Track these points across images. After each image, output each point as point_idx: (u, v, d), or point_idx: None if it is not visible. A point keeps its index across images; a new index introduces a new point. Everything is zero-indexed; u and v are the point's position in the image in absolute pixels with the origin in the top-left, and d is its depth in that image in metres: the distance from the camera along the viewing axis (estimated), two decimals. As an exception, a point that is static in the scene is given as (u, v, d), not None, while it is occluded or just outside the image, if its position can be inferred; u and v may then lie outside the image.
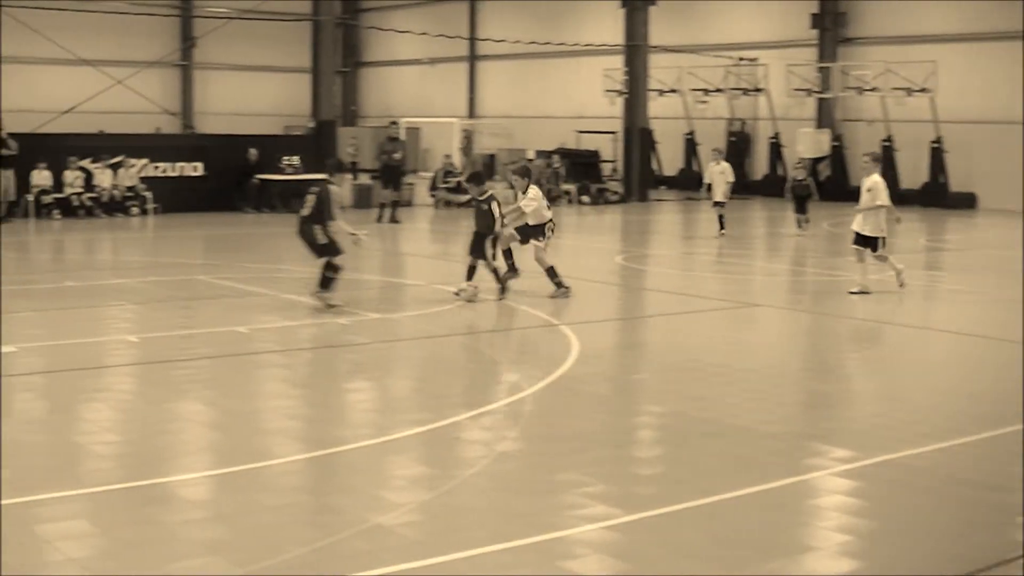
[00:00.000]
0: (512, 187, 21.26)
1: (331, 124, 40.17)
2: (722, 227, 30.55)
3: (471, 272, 19.06)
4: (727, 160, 33.32)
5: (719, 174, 30.79)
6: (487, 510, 8.92)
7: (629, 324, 18.75)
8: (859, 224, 20.07)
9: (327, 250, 17.72)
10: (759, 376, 14.06)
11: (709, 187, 31.03)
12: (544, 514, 8.70)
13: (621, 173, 46.24)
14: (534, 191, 20.05)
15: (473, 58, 62.30)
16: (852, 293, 19.81)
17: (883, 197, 19.87)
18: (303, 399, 12.79)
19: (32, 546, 7.98)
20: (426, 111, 58.29)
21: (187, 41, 61.48)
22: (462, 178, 41.55)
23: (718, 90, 49.61)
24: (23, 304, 18.39)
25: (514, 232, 19.82)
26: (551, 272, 19.63)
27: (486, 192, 19.43)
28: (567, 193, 42.77)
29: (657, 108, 46.91)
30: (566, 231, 34.66)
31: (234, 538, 8.15)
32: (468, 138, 51.95)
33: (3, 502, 8.83)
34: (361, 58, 69.26)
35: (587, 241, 31.90)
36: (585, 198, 42.72)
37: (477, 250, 19.15)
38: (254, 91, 64.51)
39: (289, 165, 37.22)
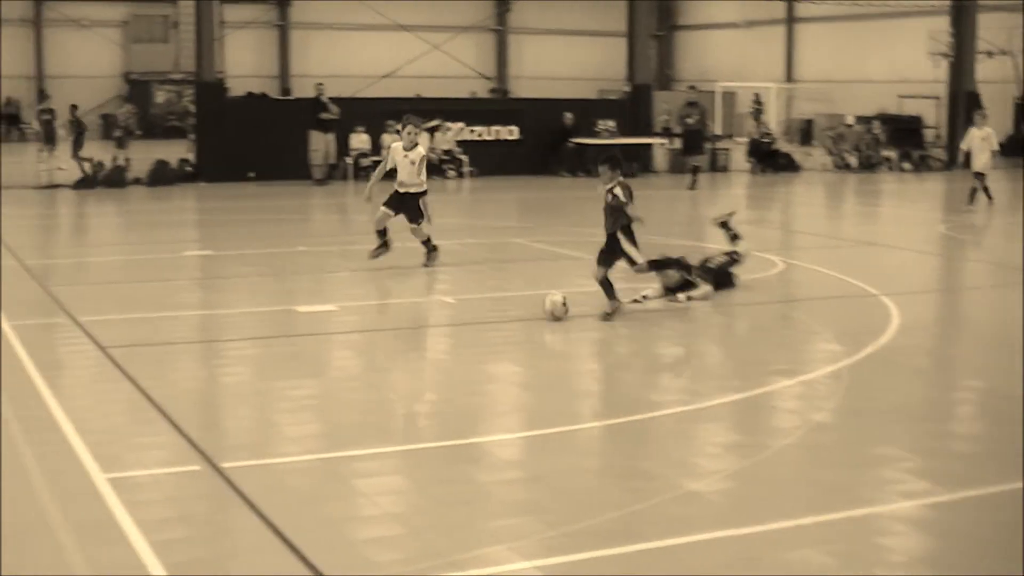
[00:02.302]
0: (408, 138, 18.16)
1: (646, 88, 40.02)
2: (972, 201, 27.75)
3: (608, 289, 14.78)
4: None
5: (981, 140, 27.81)
6: (801, 481, 8.72)
7: (951, 296, 18.13)
8: None
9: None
10: (1090, 352, 13.40)
11: (968, 155, 28.16)
12: (860, 488, 8.45)
13: (945, 140, 44.75)
14: (423, 148, 18.36)
15: (791, 20, 61.15)
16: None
17: None
18: (617, 363, 12.78)
19: (351, 499, 8.17)
20: (742, 75, 57.55)
21: (502, 5, 62.21)
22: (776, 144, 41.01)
23: (1054, 50, 47.36)
24: (342, 264, 18.91)
25: None
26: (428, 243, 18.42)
27: (613, 180, 14.54)
28: (887, 160, 41.59)
29: (985, 71, 45.07)
30: (886, 198, 33.88)
31: (548, 499, 8.16)
32: (759, 102, 50.97)
33: (325, 455, 9.10)
34: (677, 21, 68.78)
35: (909, 210, 31.04)
36: (907, 165, 41.45)
37: (608, 259, 14.78)
38: (569, 55, 64.76)
39: (604, 129, 37.31)
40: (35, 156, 34.81)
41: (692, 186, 32.58)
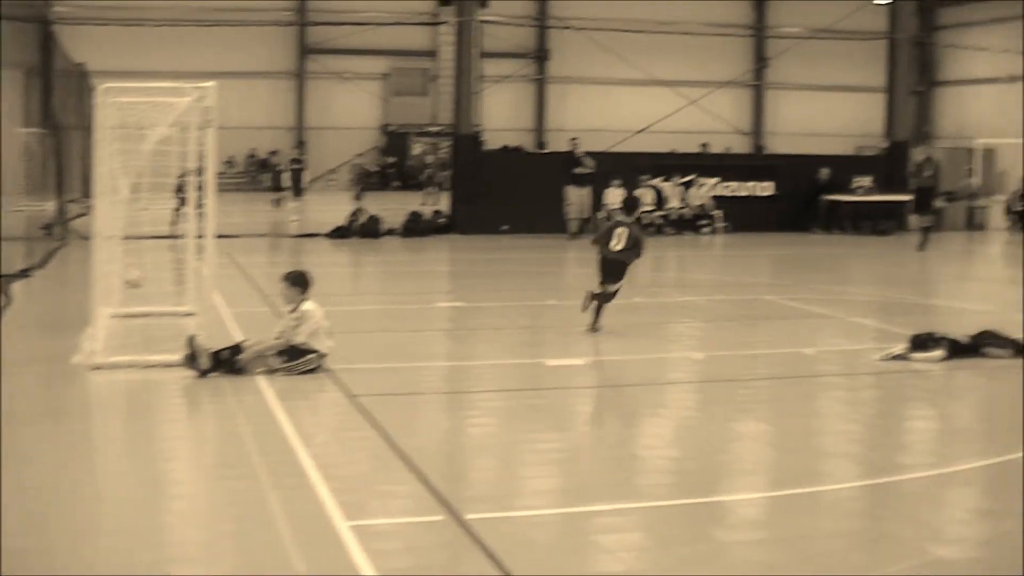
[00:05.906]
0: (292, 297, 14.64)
1: (903, 145, 39.27)
2: None
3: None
4: None
5: None
6: (1059, 552, 8.39)
7: None
8: None
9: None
10: None
11: None
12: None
13: None
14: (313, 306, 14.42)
15: (1058, 75, 59.28)
16: None
17: None
18: (864, 424, 12.49)
19: (593, 555, 8.16)
20: (1004, 132, 55.92)
21: (759, 61, 61.90)
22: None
23: None
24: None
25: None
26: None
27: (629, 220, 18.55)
28: None
29: None
30: None
31: (790, 562, 8.03)
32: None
33: (568, 509, 9.10)
34: (937, 77, 67.38)
35: None
36: None
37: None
38: (826, 110, 64.17)
39: (860, 186, 36.88)
40: (285, 205, 36.00)
41: (920, 247, 31.15)
